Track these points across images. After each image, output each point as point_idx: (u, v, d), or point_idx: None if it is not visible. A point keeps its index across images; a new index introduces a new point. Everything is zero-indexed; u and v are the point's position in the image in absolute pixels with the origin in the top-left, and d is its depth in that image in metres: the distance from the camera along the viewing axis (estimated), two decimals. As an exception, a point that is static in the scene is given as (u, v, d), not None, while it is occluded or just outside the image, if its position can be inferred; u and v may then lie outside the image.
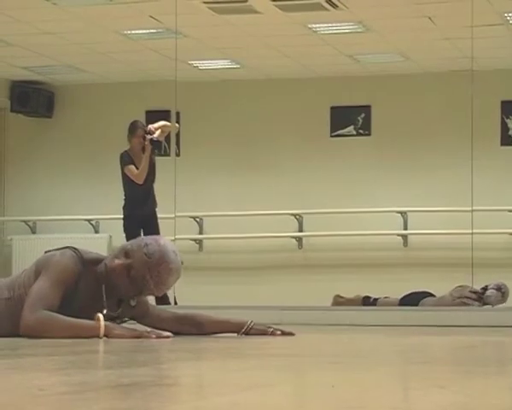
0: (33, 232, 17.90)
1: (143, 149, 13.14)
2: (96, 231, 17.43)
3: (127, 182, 13.34)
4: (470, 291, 12.81)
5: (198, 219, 16.60)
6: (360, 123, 16.69)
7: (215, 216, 16.57)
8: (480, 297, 12.81)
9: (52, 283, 6.09)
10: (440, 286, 12.98)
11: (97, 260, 6.30)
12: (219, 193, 16.29)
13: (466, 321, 10.82)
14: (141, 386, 3.01)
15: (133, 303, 6.33)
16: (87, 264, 6.21)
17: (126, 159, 12.93)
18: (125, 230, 13.30)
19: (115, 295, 6.38)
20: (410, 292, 13.04)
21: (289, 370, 4.26)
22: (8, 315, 6.25)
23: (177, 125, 13.75)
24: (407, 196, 15.84)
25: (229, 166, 16.55)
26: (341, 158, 16.56)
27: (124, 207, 13.61)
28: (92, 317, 6.14)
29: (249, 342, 6.06)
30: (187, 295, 13.45)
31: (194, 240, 16.66)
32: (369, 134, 16.78)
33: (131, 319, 6.53)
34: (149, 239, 6.49)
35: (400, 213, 15.99)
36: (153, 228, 12.94)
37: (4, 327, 6.25)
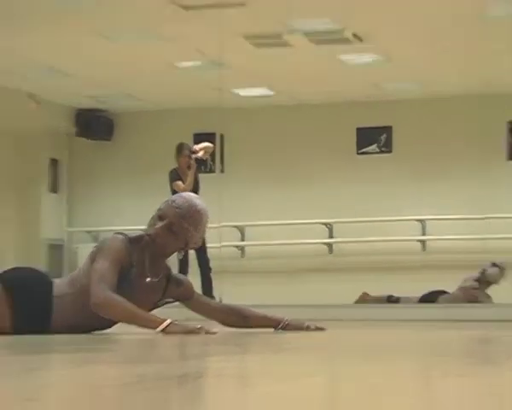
0: (96, 241, 17.91)
1: (189, 167, 13.24)
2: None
3: None
4: (474, 280, 12.88)
5: (240, 228, 16.60)
6: (382, 142, 16.69)
7: (255, 225, 16.59)
8: (483, 280, 12.87)
9: (110, 262, 6.12)
10: (455, 286, 12.93)
11: (140, 237, 6.30)
12: (259, 205, 16.26)
13: (478, 316, 10.85)
14: (193, 377, 2.98)
15: (180, 256, 6.57)
16: (134, 242, 6.22)
17: (174, 176, 13.09)
18: None
19: (162, 260, 6.40)
20: (428, 291, 13.00)
21: (324, 362, 4.17)
22: (76, 308, 6.21)
23: (210, 145, 13.85)
24: (425, 205, 15.82)
25: (268, 180, 16.53)
26: (366, 173, 16.57)
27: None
28: (143, 287, 6.25)
29: (286, 337, 6.00)
30: (230, 295, 13.48)
31: (237, 247, 16.66)
32: (390, 152, 16.73)
33: (176, 300, 6.48)
34: (174, 197, 6.62)
35: (419, 220, 15.93)
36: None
37: (74, 319, 6.22)
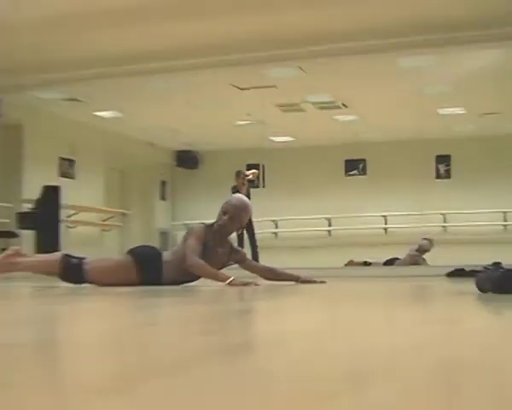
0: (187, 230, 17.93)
1: (243, 185, 13.19)
2: None
3: None
4: (415, 250, 12.68)
5: (274, 221, 16.65)
6: (360, 168, 16.83)
7: (283, 219, 16.54)
8: (420, 249, 12.65)
9: (195, 240, 6.09)
10: (404, 254, 13.07)
11: (212, 225, 6.28)
12: (286, 206, 16.21)
13: (416, 272, 10.94)
14: (236, 313, 2.90)
15: (239, 232, 6.35)
16: (208, 228, 6.20)
17: (234, 190, 12.61)
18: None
19: (226, 238, 6.38)
20: (388, 258, 12.83)
21: (328, 301, 4.22)
22: (176, 268, 6.17)
23: (256, 171, 13.76)
24: (385, 206, 15.97)
25: (291, 192, 16.47)
26: (351, 187, 16.78)
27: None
28: (216, 255, 6.24)
29: (304, 287, 5.82)
30: (269, 261, 13.67)
31: (273, 233, 16.65)
32: (365, 174, 16.76)
33: (235, 262, 6.47)
34: (229, 198, 6.51)
35: (383, 216, 15.92)
36: (251, 226, 13.13)
37: (175, 276, 6.21)
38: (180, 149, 18.08)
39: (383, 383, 1.09)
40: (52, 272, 6.02)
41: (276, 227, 16.77)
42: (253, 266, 6.81)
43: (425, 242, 12.80)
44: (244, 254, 6.70)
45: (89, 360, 1.47)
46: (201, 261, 6.08)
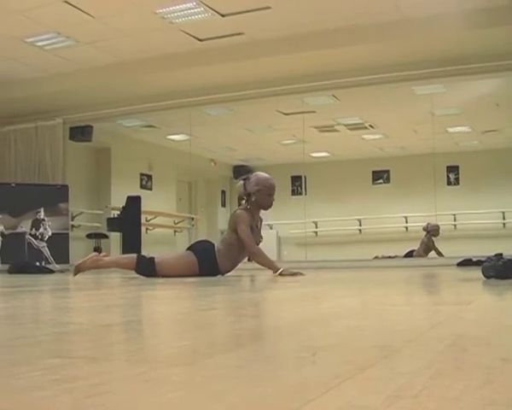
0: None
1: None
2: (271, 228, 17.49)
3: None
4: (424, 236, 12.51)
5: (315, 222, 16.43)
6: (385, 178, 16.71)
7: (322, 221, 16.32)
8: (428, 232, 12.46)
9: (247, 226, 5.98)
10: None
11: (246, 208, 6.12)
12: (324, 210, 16.03)
13: (431, 263, 10.87)
14: (280, 299, 2.83)
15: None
16: (248, 210, 6.07)
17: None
18: None
19: (258, 215, 6.20)
20: (408, 251, 12.61)
21: (358, 287, 4.06)
22: (228, 256, 6.08)
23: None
24: (406, 208, 15.72)
25: (328, 198, 16.36)
26: (377, 194, 16.65)
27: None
28: (257, 231, 6.11)
29: (335, 276, 5.74)
30: (311, 256, 13.58)
31: (314, 232, 16.41)
32: (389, 183, 16.65)
33: None
34: (253, 177, 6.23)
35: (404, 216, 15.87)
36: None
37: (227, 265, 6.14)
38: (236, 164, 17.95)
39: (411, 356, 1.08)
40: (129, 267, 6.06)
41: (316, 227, 16.54)
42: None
43: (431, 225, 12.59)
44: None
45: (165, 337, 1.49)
46: (261, 250, 6.00)
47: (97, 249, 12.23)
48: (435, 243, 12.49)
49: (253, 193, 6.15)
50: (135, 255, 6.19)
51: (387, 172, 16.71)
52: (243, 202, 6.28)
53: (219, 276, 6.03)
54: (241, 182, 6.29)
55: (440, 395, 0.77)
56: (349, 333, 1.43)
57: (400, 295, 3.20)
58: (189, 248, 6.25)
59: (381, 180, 16.77)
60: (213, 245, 6.21)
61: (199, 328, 1.62)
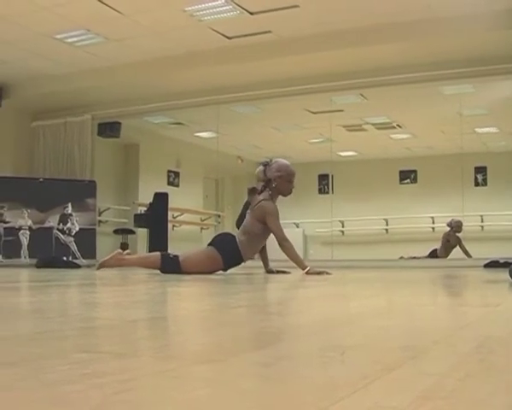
0: None
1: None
2: (297, 227, 17.58)
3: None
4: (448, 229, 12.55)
5: (341, 221, 16.33)
6: (412, 178, 16.67)
7: (349, 220, 16.29)
8: (452, 227, 12.45)
9: (277, 219, 5.97)
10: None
11: (270, 198, 6.09)
12: (351, 209, 16.02)
13: (458, 264, 10.76)
14: (307, 297, 2.82)
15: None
16: (272, 200, 6.07)
17: (247, 206, 12.05)
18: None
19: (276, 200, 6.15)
20: (431, 250, 12.57)
21: (383, 287, 4.07)
22: (251, 246, 6.07)
23: None
24: (432, 208, 15.57)
25: (355, 197, 16.28)
26: (404, 193, 16.61)
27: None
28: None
29: (360, 275, 5.72)
30: (338, 255, 13.57)
31: (340, 230, 16.28)
32: (416, 183, 16.61)
33: None
34: (274, 164, 6.21)
35: (430, 217, 15.62)
36: None
37: (251, 250, 6.13)
38: (262, 162, 17.97)
39: (439, 357, 1.07)
40: (154, 266, 6.05)
41: (343, 226, 16.51)
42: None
43: (454, 221, 12.52)
44: None
45: (192, 334, 1.49)
46: (291, 245, 5.93)
47: (124, 245, 12.29)
48: (462, 242, 12.41)
49: (273, 179, 6.12)
50: (159, 254, 6.17)
51: (415, 172, 16.62)
52: (261, 187, 6.23)
53: (244, 272, 6.08)
54: (262, 167, 6.26)
55: (469, 397, 0.77)
56: (376, 333, 1.43)
57: (427, 295, 3.17)
58: (210, 244, 6.23)
59: (408, 180, 16.69)
60: (234, 237, 6.19)
61: (226, 325, 1.62)
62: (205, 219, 16.60)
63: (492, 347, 1.19)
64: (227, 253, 6.04)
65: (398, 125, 14.52)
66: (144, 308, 2.22)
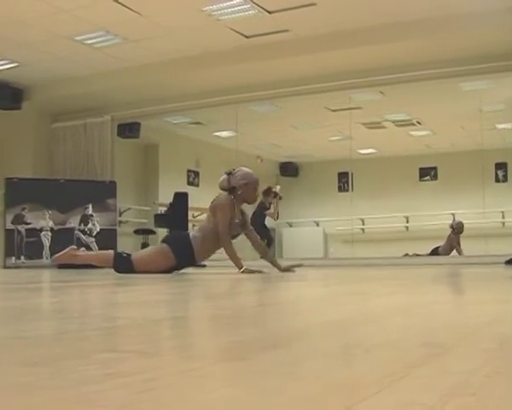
0: (291, 226, 17.94)
1: (271, 203, 12.43)
2: (317, 225, 17.58)
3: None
4: (451, 232, 12.69)
5: (362, 219, 16.37)
6: (432, 175, 16.55)
7: (369, 217, 16.31)
8: (454, 229, 12.62)
9: (225, 213, 5.94)
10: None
11: (232, 197, 6.02)
12: (371, 207, 16.02)
13: (478, 260, 10.74)
14: (326, 296, 2.71)
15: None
16: (232, 199, 6.02)
17: (262, 206, 12.14)
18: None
19: (240, 207, 6.09)
20: (433, 247, 12.74)
21: (400, 284, 4.02)
22: (203, 243, 5.98)
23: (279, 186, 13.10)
24: (452, 205, 15.53)
25: (375, 194, 16.27)
26: (424, 190, 16.54)
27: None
28: (233, 228, 5.99)
29: (371, 272, 5.69)
30: (359, 253, 13.56)
31: (361, 228, 16.39)
32: (436, 180, 16.46)
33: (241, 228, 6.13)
34: (238, 172, 6.12)
35: (451, 213, 15.69)
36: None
37: (203, 252, 6.06)
38: (283, 161, 18.09)
39: (464, 354, 1.07)
40: (106, 264, 6.06)
41: (363, 224, 16.52)
42: (252, 236, 6.31)
43: (455, 222, 12.65)
44: (248, 221, 6.31)
45: (214, 333, 1.48)
46: (231, 245, 5.91)
47: (144, 246, 12.31)
48: (459, 240, 12.54)
49: (239, 186, 6.05)
50: (112, 252, 6.19)
51: (435, 168, 16.56)
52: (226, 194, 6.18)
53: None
54: (225, 176, 6.16)
55: (499, 393, 0.76)
56: (399, 331, 1.42)
57: (449, 293, 3.15)
58: (163, 241, 6.25)
59: (428, 177, 16.63)
60: (187, 234, 6.21)
61: (248, 324, 1.63)
62: (225, 219, 16.59)
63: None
64: (178, 250, 6.02)
65: (417, 122, 14.48)
66: (166, 307, 2.23)
